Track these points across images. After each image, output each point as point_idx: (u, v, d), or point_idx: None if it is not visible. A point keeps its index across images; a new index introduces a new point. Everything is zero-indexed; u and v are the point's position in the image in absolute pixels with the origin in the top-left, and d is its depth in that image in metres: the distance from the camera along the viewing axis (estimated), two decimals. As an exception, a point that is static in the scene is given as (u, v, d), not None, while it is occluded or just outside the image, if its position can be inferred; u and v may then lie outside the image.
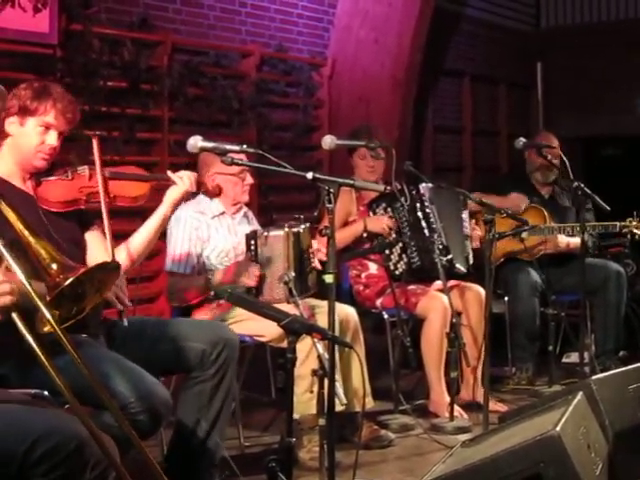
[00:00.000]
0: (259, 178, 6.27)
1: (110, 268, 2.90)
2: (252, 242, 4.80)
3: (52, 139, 3.75)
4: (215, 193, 4.48)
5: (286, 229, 4.82)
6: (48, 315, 2.52)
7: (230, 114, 6.75)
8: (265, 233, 4.81)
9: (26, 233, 2.84)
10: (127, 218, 3.80)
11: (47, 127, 3.73)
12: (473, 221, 5.91)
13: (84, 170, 3.89)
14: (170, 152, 6.26)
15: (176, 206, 4.15)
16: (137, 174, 4.09)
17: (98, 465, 2.69)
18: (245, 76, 6.98)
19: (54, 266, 2.72)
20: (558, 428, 3.12)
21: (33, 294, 2.52)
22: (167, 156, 6.25)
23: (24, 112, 3.71)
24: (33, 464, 2.49)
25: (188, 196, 4.20)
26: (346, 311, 4.97)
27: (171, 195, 4.08)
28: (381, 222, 5.58)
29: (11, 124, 3.74)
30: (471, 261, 5.72)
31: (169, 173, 4.11)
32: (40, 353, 2.52)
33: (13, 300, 2.55)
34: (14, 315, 2.54)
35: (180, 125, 6.37)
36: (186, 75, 6.40)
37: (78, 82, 5.60)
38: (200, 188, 4.26)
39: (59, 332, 2.53)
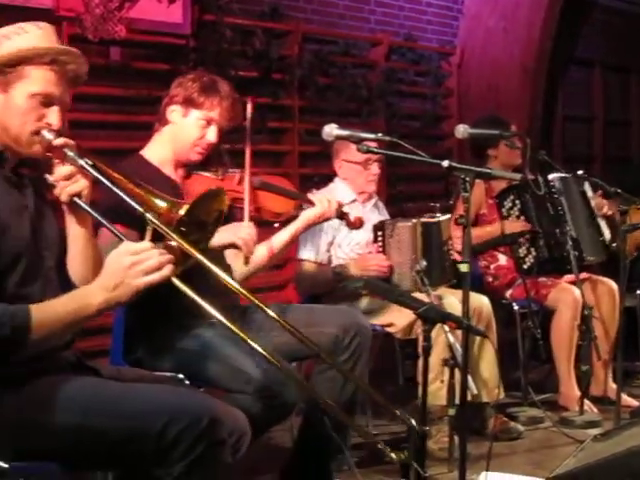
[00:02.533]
0: (388, 167, 6.26)
1: (213, 194, 2.79)
2: (379, 233, 4.81)
3: (212, 135, 3.78)
4: (356, 226, 4.44)
5: (414, 220, 4.81)
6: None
7: (359, 103, 6.76)
8: (392, 224, 4.81)
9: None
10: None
11: (209, 122, 3.77)
12: (600, 191, 5.73)
13: (235, 173, 3.93)
14: (300, 141, 6.31)
15: (310, 226, 4.18)
16: (286, 189, 4.10)
17: (231, 435, 2.71)
18: (374, 65, 6.98)
19: (162, 204, 2.72)
20: (695, 424, 3.06)
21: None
22: (297, 145, 6.30)
23: (189, 103, 3.76)
24: (169, 447, 2.49)
25: (324, 221, 4.23)
26: (480, 301, 4.93)
27: (307, 214, 4.12)
28: (518, 227, 5.46)
29: (173, 112, 3.79)
30: (608, 240, 5.58)
31: (310, 195, 4.15)
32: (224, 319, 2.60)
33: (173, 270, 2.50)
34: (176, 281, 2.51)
35: (310, 114, 6.40)
36: (316, 64, 6.43)
37: (210, 72, 5.67)
38: (342, 217, 4.29)
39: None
